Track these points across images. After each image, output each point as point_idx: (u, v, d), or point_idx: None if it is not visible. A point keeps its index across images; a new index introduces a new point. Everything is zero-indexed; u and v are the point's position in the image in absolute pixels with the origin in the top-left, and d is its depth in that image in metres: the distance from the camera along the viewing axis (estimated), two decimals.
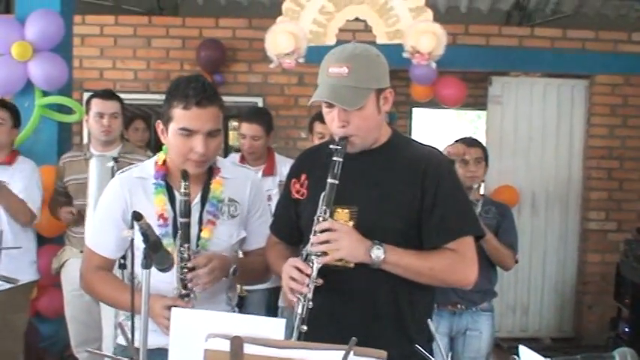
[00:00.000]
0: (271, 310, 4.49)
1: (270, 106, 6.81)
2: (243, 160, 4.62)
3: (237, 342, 1.60)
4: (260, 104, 6.79)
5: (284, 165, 4.52)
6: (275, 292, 4.39)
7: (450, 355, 3.97)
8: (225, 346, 1.61)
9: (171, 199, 2.48)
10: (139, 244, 2.06)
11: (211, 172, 2.56)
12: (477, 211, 3.85)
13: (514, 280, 6.78)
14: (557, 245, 6.98)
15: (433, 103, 7.34)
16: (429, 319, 1.78)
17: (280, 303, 4.45)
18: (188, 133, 2.36)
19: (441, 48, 5.19)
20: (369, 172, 2.33)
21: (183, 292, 2.34)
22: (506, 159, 6.85)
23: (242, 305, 4.24)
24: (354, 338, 1.55)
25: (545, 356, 1.48)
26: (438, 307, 3.90)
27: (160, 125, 2.46)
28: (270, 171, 4.62)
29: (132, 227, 1.91)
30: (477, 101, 8.42)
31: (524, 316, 6.97)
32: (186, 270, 2.34)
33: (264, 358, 1.60)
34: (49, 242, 4.82)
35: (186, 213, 2.36)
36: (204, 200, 2.51)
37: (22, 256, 4.27)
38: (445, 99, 6.74)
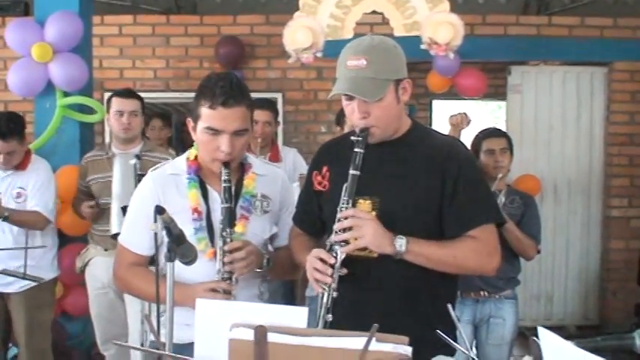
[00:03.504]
0: (289, 300, 4.55)
1: (290, 101, 6.86)
2: (249, 150, 4.72)
3: (261, 331, 1.62)
4: (280, 100, 6.82)
5: (288, 153, 4.77)
6: (292, 282, 4.45)
7: (474, 342, 4.02)
8: (249, 335, 1.63)
9: (204, 194, 2.51)
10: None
11: (243, 168, 2.59)
12: (502, 201, 3.85)
13: (538, 268, 6.75)
14: (580, 233, 6.94)
15: (453, 95, 7.33)
16: (449, 304, 1.77)
17: (307, 293, 4.49)
18: (214, 132, 2.38)
19: (459, 38, 5.18)
20: (390, 162, 2.34)
21: (225, 275, 2.37)
22: (528, 148, 6.82)
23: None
24: (375, 325, 1.57)
25: None
26: (461, 295, 3.92)
27: (190, 122, 2.49)
28: (275, 158, 4.79)
29: (155, 221, 1.93)
30: (496, 91, 8.39)
31: (548, 305, 6.95)
32: (228, 254, 2.37)
33: (287, 346, 1.62)
34: (73, 241, 4.89)
35: (229, 198, 2.39)
36: (237, 196, 2.53)
37: (45, 255, 4.36)
38: (465, 90, 6.71)
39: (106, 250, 4.31)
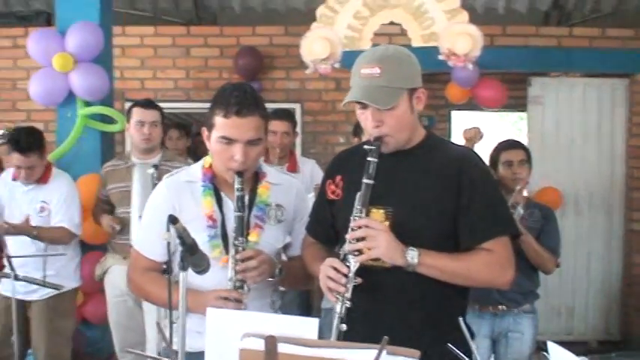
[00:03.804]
0: (304, 311, 4.54)
1: (308, 112, 6.88)
2: (266, 160, 4.77)
3: (271, 341, 1.61)
4: (298, 110, 6.84)
5: (305, 163, 4.78)
6: (308, 292, 4.45)
7: (492, 357, 3.98)
8: (259, 345, 1.63)
9: (219, 202, 2.52)
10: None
11: (257, 177, 2.60)
12: (520, 213, 3.81)
13: (559, 282, 6.67)
14: (601, 246, 6.86)
15: (473, 106, 7.30)
16: (460, 318, 1.75)
17: (323, 305, 4.48)
18: (228, 141, 2.39)
19: (478, 49, 5.17)
20: (404, 172, 2.33)
21: (237, 283, 2.37)
22: (548, 160, 6.75)
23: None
24: (385, 337, 1.56)
25: None
26: (479, 309, 3.89)
27: (205, 132, 2.50)
28: (293, 168, 4.82)
29: (168, 230, 1.94)
30: (517, 103, 8.32)
31: (569, 319, 6.86)
32: (240, 262, 2.37)
33: (297, 357, 1.62)
34: (93, 249, 4.91)
35: (242, 207, 2.40)
36: (251, 205, 2.53)
37: (67, 264, 4.41)
38: (485, 101, 6.69)
39: (124, 258, 4.33)
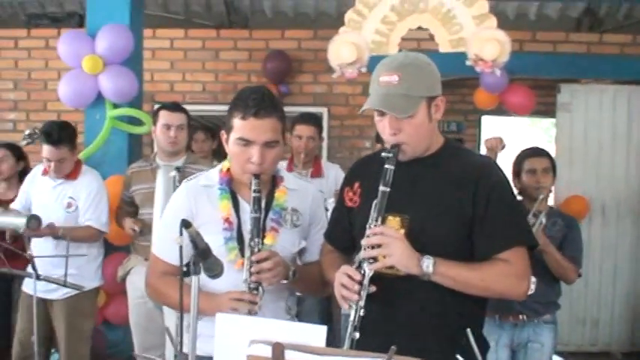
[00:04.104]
0: (324, 318, 4.52)
1: (335, 116, 6.88)
2: (291, 164, 4.80)
3: (278, 348, 1.62)
4: (325, 114, 6.85)
5: (330, 168, 4.72)
6: (329, 300, 4.43)
7: None
8: (267, 351, 1.63)
9: (235, 205, 2.54)
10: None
11: (275, 181, 2.61)
12: (542, 222, 3.77)
13: (584, 292, 6.59)
14: (628, 256, 6.75)
15: (503, 111, 7.24)
16: (468, 329, 1.74)
17: (343, 311, 4.48)
18: (245, 143, 2.41)
19: (505, 55, 5.13)
20: (421, 180, 2.32)
21: (252, 285, 2.37)
22: (577, 168, 6.68)
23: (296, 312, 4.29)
24: (393, 347, 1.55)
25: None
26: (500, 319, 3.86)
27: (223, 134, 2.53)
28: (317, 173, 4.87)
29: (181, 234, 1.95)
30: (547, 109, 8.26)
31: (594, 329, 6.76)
32: (255, 264, 2.37)
33: None
34: (117, 250, 4.96)
35: (258, 208, 2.41)
36: (267, 208, 2.54)
37: (88, 264, 4.44)
38: (513, 107, 6.63)
39: (146, 259, 4.34)
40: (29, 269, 3.68)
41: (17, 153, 5.04)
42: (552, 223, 3.89)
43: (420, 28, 5.28)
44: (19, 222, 4.04)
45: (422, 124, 2.26)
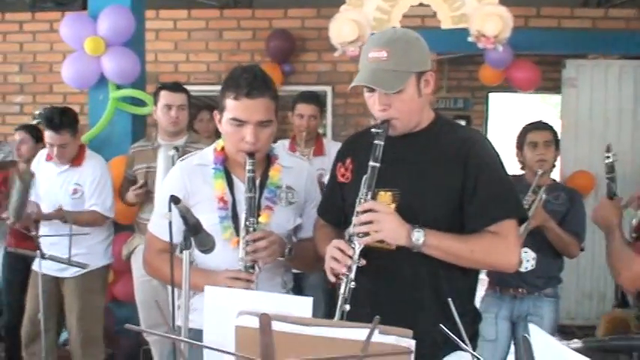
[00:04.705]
0: (328, 293, 4.55)
1: (340, 95, 6.89)
2: (293, 143, 4.81)
3: (265, 319, 1.64)
4: (329, 93, 6.85)
5: (333, 147, 4.74)
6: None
7: (511, 340, 3.98)
8: (254, 323, 1.65)
9: (230, 184, 2.56)
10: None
11: (269, 160, 2.63)
12: (542, 198, 3.77)
13: (590, 266, 6.61)
14: None
15: (511, 88, 7.23)
16: (449, 299, 1.76)
17: None
18: (239, 123, 2.43)
19: (508, 31, 5.10)
20: (411, 155, 2.34)
21: (248, 264, 2.40)
22: (582, 144, 6.67)
23: (300, 287, 4.33)
24: (377, 317, 1.56)
25: None
26: (500, 291, 3.89)
27: (216, 114, 2.55)
28: (320, 151, 4.88)
29: (170, 210, 1.99)
30: (555, 85, 8.25)
31: (600, 303, 6.79)
32: (251, 242, 2.40)
33: (291, 335, 1.65)
34: (122, 229, 5.00)
35: (252, 188, 2.43)
36: (262, 187, 2.57)
37: (97, 243, 4.51)
38: (518, 83, 6.64)
39: None
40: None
41: (36, 135, 5.09)
42: (555, 197, 3.90)
43: (421, 4, 5.26)
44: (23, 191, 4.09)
45: (411, 100, 2.27)
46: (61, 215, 4.27)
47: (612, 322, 5.62)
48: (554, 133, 4.05)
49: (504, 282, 3.83)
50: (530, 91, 7.41)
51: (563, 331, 5.62)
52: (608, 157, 3.17)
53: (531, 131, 4.00)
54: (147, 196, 4.43)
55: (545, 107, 16.63)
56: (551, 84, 8.09)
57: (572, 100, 6.77)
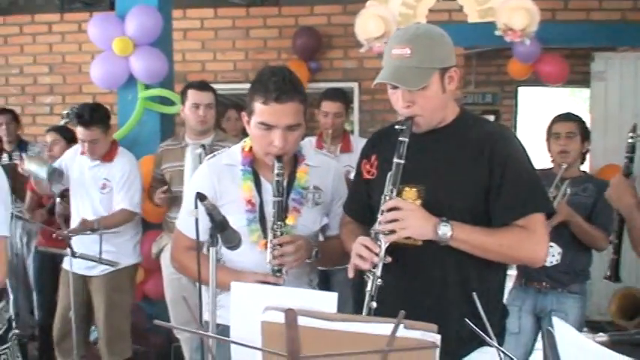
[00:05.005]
0: (356, 289, 4.56)
1: (366, 91, 6.89)
2: (320, 140, 4.81)
3: (290, 314, 1.66)
4: (356, 89, 6.86)
5: (360, 143, 4.69)
6: (361, 271, 4.48)
7: (537, 333, 3.97)
8: (280, 318, 1.68)
9: (258, 186, 2.58)
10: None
11: (296, 160, 2.64)
12: (567, 192, 3.74)
13: (621, 261, 6.51)
14: None
15: (540, 82, 7.17)
16: (474, 293, 1.76)
17: None
18: (267, 127, 2.42)
19: (535, 24, 5.07)
20: (436, 151, 2.34)
21: (275, 267, 2.42)
22: (612, 137, 6.58)
23: (328, 284, 4.34)
24: (402, 311, 1.58)
25: None
26: (525, 284, 3.88)
27: (245, 116, 2.54)
28: (347, 148, 4.88)
29: (196, 207, 2.01)
30: (584, 78, 8.16)
31: None
32: (278, 247, 2.42)
33: (317, 329, 1.66)
34: (152, 228, 5.06)
35: (280, 192, 2.44)
36: (289, 188, 2.58)
37: (126, 242, 4.56)
38: (547, 76, 6.58)
39: None
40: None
41: (68, 136, 5.15)
42: (583, 189, 3.86)
43: None
44: (41, 172, 4.15)
45: (435, 96, 2.27)
46: (90, 225, 4.31)
47: (623, 298, 5.62)
48: (582, 124, 4.01)
49: (529, 275, 3.85)
50: (559, 84, 7.32)
51: (594, 327, 5.56)
52: (632, 137, 3.19)
53: (556, 122, 4.00)
54: (175, 196, 4.46)
55: (575, 101, 16.44)
56: (580, 77, 8.01)
57: (600, 93, 6.70)
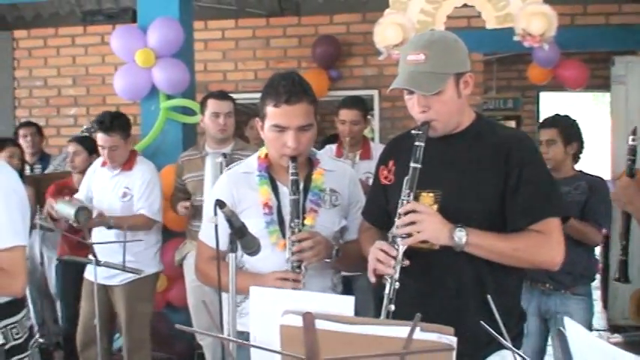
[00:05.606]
0: (378, 295, 4.57)
1: (386, 98, 6.91)
2: (339, 148, 4.84)
3: (308, 318, 1.69)
4: (376, 97, 6.89)
5: (380, 150, 4.70)
6: (380, 276, 4.50)
7: (545, 335, 3.98)
8: (298, 321, 1.71)
9: (274, 189, 2.63)
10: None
11: (312, 163, 2.69)
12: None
13: (635, 262, 6.46)
14: None
15: (562, 87, 7.16)
16: (488, 296, 1.78)
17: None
18: (280, 129, 2.50)
19: (553, 29, 5.06)
20: (453, 156, 2.36)
21: (295, 264, 2.47)
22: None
23: (350, 290, 4.36)
24: (418, 314, 1.60)
25: None
26: (530, 285, 3.92)
27: (258, 122, 2.62)
28: (366, 155, 4.88)
29: (215, 214, 2.05)
30: (605, 83, 8.13)
31: None
32: (297, 243, 2.47)
33: (334, 333, 1.69)
34: (175, 236, 5.11)
35: (296, 190, 2.50)
36: (306, 190, 2.63)
37: (146, 250, 4.59)
38: (566, 81, 6.58)
39: None
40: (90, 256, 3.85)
41: (89, 146, 5.20)
42: (575, 187, 3.91)
43: (465, 5, 5.26)
44: (70, 212, 4.21)
45: (450, 101, 2.30)
46: (106, 220, 4.38)
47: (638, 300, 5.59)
48: (565, 129, 4.02)
49: (533, 277, 3.87)
50: (580, 89, 7.31)
51: (617, 332, 5.53)
52: (633, 139, 3.28)
53: (539, 129, 4.11)
54: (197, 206, 4.50)
55: (597, 105, 16.35)
56: (600, 81, 7.98)
57: (621, 97, 6.67)
